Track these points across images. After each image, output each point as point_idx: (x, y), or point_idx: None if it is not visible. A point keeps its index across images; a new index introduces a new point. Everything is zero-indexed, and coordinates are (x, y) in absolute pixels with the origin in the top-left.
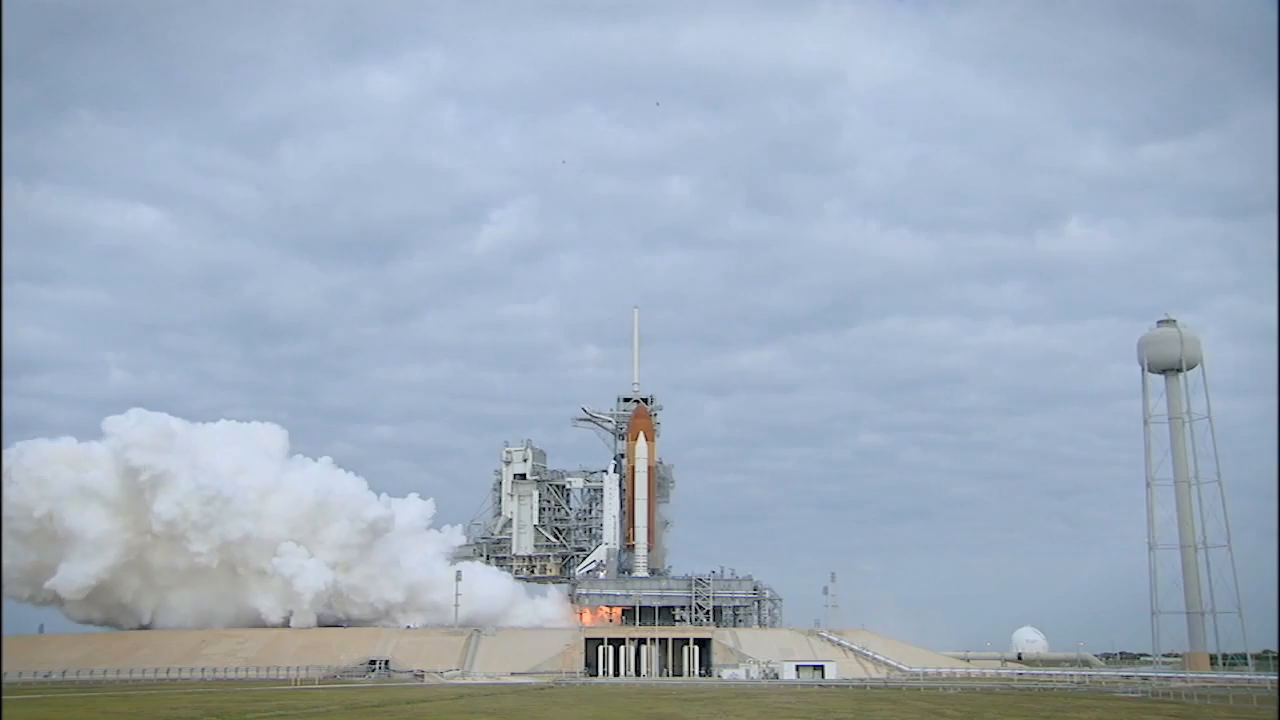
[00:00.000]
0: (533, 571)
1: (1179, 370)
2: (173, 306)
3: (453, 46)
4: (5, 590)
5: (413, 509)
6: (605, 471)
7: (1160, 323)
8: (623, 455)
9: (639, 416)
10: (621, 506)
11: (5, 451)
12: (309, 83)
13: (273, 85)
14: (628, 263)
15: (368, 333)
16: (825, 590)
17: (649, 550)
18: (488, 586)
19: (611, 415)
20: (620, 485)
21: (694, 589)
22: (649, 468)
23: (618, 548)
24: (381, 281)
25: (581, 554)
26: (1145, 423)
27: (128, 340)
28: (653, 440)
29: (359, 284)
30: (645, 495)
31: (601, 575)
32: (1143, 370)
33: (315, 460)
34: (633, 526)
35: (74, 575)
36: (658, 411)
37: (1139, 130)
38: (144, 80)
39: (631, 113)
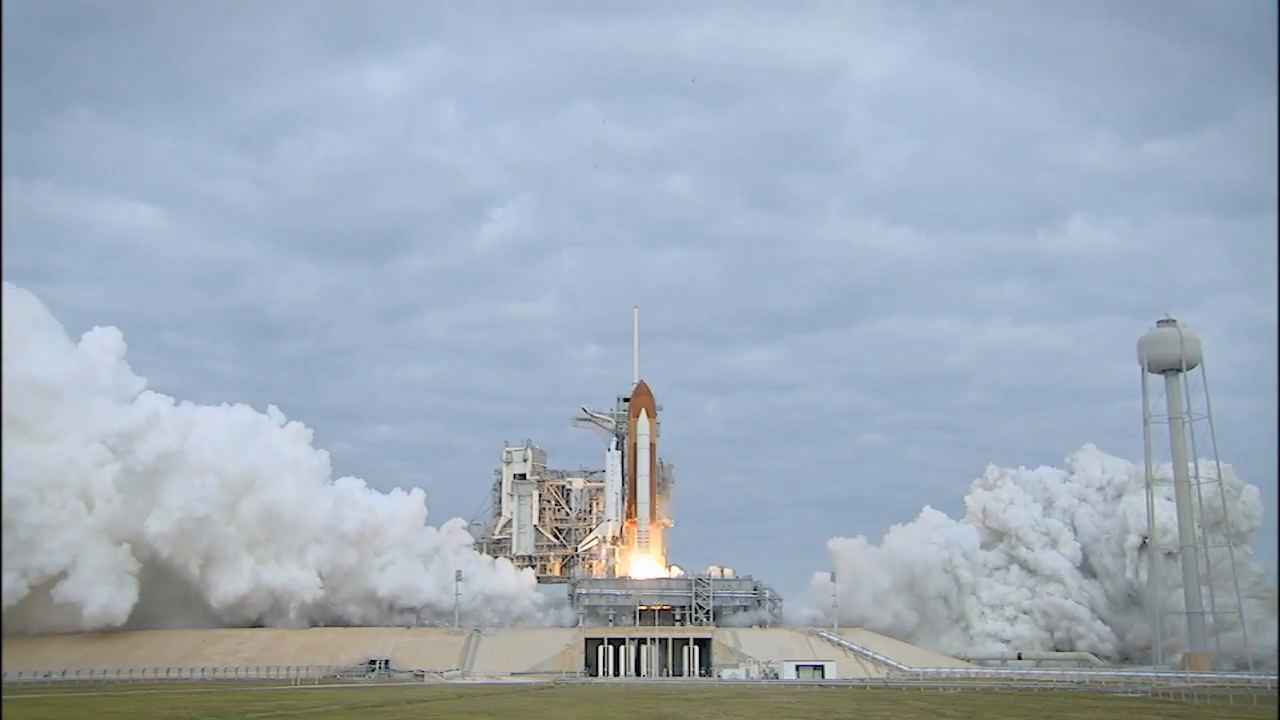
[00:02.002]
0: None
1: (1179, 370)
2: (171, 305)
3: (452, 42)
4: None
5: (401, 505)
6: (608, 465)
7: (1160, 323)
8: (622, 449)
9: (640, 394)
10: (623, 483)
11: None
12: (308, 79)
13: (271, 81)
14: (628, 261)
15: (367, 331)
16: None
17: (650, 524)
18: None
19: (611, 415)
20: (622, 462)
21: (694, 589)
22: (651, 444)
23: (620, 522)
24: (381, 279)
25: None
26: (1145, 422)
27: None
28: (654, 417)
29: (358, 282)
30: (648, 471)
31: (603, 553)
32: (1143, 370)
33: (315, 449)
34: (635, 503)
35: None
36: (658, 410)
37: (1141, 127)
38: (142, 77)
39: (632, 109)
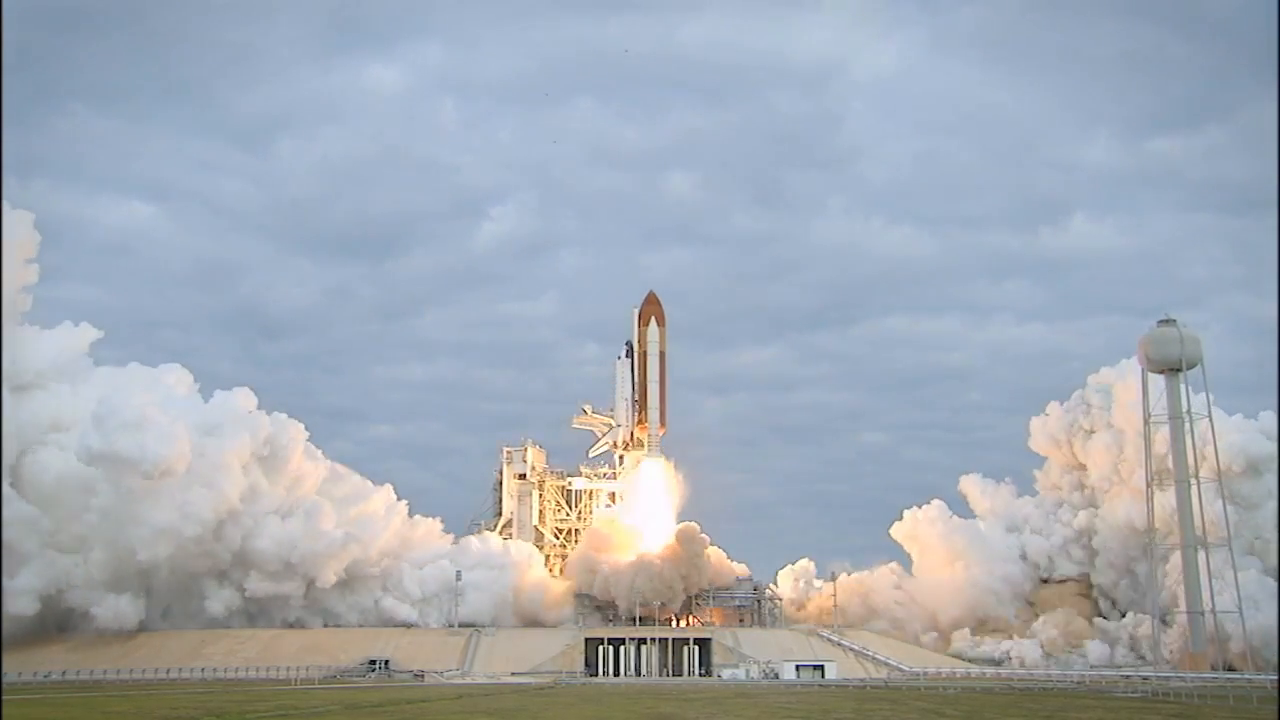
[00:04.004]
0: None
1: (1179, 370)
2: (170, 303)
3: (451, 38)
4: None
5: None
6: (617, 373)
7: (1160, 322)
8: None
9: (649, 304)
10: (633, 389)
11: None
12: (306, 76)
13: (270, 78)
14: (628, 259)
15: (367, 330)
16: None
17: (660, 431)
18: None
19: (612, 414)
20: (631, 369)
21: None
22: (660, 351)
23: (630, 428)
24: (380, 278)
25: None
26: (1145, 422)
27: (125, 338)
28: (663, 325)
29: (357, 280)
30: (657, 378)
31: (615, 452)
32: (1143, 370)
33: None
34: (644, 409)
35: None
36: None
37: (1144, 124)
38: (139, 73)
39: (631, 106)
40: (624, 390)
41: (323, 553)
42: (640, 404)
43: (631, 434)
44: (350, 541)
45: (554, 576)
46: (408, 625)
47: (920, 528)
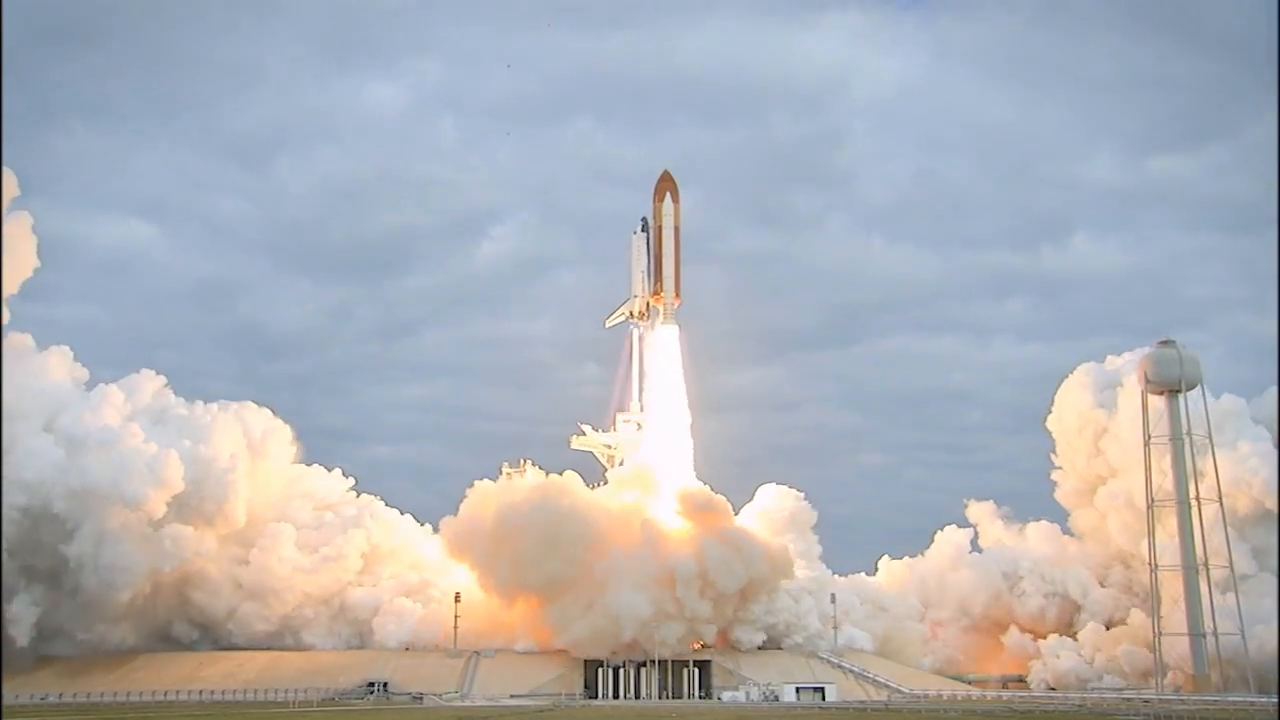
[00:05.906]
0: None
1: (1178, 391)
2: (168, 323)
3: (450, 57)
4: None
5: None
6: (633, 246)
7: (1160, 344)
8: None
9: (664, 181)
10: (649, 260)
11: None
12: (305, 93)
13: (267, 95)
14: (629, 279)
15: (365, 350)
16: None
17: (676, 302)
18: None
19: (610, 431)
20: (648, 243)
21: None
22: (675, 226)
23: (646, 298)
24: (379, 298)
25: None
26: (1145, 443)
27: (123, 358)
28: (678, 201)
29: (356, 300)
30: (672, 252)
31: (633, 323)
32: (1142, 391)
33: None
34: (660, 279)
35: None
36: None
37: (1146, 143)
38: (138, 91)
39: (631, 124)
40: (640, 262)
41: (284, 581)
42: (656, 275)
43: (647, 304)
44: (323, 563)
45: None
46: (404, 647)
47: (940, 584)
